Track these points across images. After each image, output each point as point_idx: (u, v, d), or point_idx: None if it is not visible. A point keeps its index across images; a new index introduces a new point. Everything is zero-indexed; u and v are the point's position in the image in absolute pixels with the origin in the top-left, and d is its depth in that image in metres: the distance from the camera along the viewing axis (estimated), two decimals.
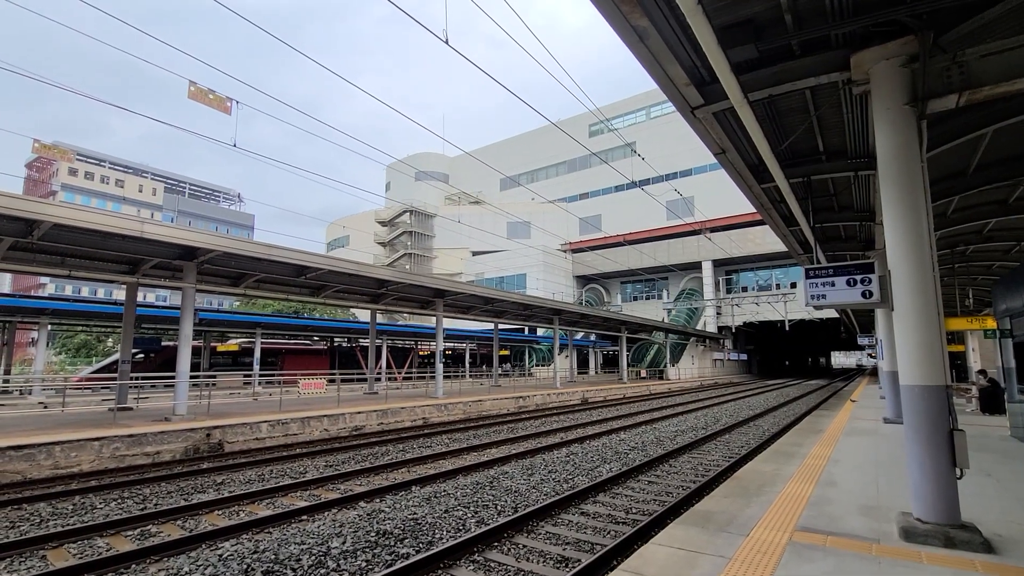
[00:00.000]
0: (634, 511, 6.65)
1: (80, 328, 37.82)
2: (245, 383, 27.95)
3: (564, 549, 5.32)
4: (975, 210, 10.17)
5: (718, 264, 49.37)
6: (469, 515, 6.44)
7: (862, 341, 31.46)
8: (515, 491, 7.61)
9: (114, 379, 16.33)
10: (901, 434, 4.82)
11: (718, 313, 49.15)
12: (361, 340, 37.05)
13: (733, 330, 50.30)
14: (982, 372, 15.51)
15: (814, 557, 4.01)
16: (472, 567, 4.94)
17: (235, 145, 11.96)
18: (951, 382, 4.43)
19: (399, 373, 35.70)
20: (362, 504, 7.02)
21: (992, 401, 13.36)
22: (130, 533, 6.01)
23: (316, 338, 38.37)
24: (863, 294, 5.24)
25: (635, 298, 57.03)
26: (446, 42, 8.11)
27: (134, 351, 20.94)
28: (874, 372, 54.73)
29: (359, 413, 14.48)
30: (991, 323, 16.95)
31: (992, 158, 7.91)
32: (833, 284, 5.45)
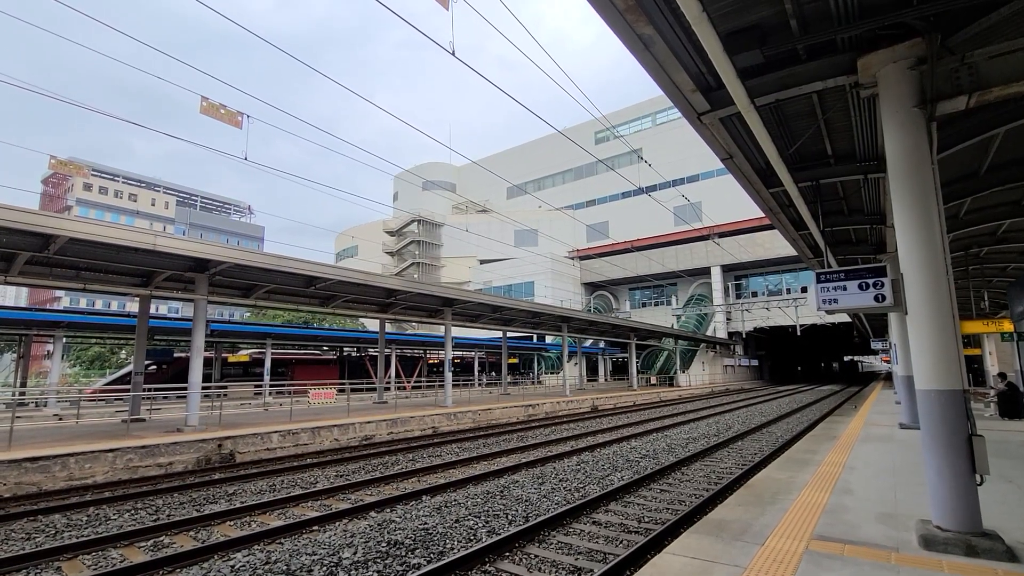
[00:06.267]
0: (647, 520, 6.57)
1: (94, 340, 38.34)
2: (256, 393, 28.13)
3: (576, 559, 5.26)
4: (988, 211, 10.04)
5: (727, 269, 49.06)
6: (480, 525, 6.41)
7: (875, 345, 31.09)
8: (526, 500, 7.57)
9: (127, 390, 16.49)
10: (918, 440, 4.74)
11: (728, 319, 48.76)
12: (370, 350, 37.19)
13: (743, 336, 49.85)
14: (1002, 375, 15.22)
15: (832, 566, 3.93)
16: None
17: (246, 158, 12.13)
18: (968, 386, 4.35)
19: (408, 382, 35.73)
20: (373, 514, 7.01)
21: (1011, 405, 13.10)
22: (143, 544, 6.04)
23: (325, 348, 38.59)
24: (876, 298, 5.19)
25: (644, 305, 56.76)
26: (453, 54, 8.19)
27: (147, 363, 21.17)
28: (869, 376, 53.91)
29: (369, 422, 14.50)
30: (1008, 325, 16.70)
31: (1004, 159, 7.82)
32: (845, 288, 5.40)
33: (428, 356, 43.86)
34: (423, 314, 21.60)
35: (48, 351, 46.67)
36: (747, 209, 32.76)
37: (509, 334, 32.66)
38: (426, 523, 6.46)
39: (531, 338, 49.11)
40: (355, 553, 5.45)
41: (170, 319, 31.42)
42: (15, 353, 29.61)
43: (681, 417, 19.74)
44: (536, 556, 5.38)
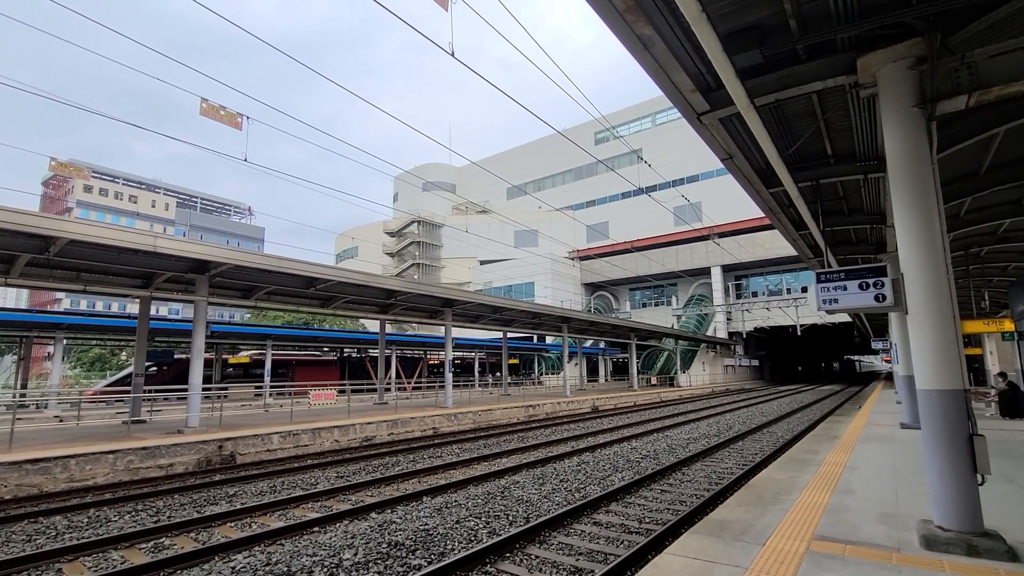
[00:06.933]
0: (647, 520, 6.57)
1: (95, 342, 38.37)
2: (256, 395, 28.13)
3: (577, 560, 5.26)
4: (988, 211, 10.03)
5: (727, 269, 49.05)
6: (480, 525, 6.41)
7: (876, 345, 31.07)
8: (526, 501, 7.56)
9: (128, 392, 16.50)
10: (919, 440, 4.74)
11: (728, 319, 48.75)
12: (371, 350, 37.18)
13: (744, 336, 49.83)
14: (1002, 375, 15.20)
15: (833, 566, 3.93)
16: None
17: (246, 160, 12.13)
18: (969, 386, 4.35)
19: (408, 383, 35.72)
20: (373, 515, 7.00)
21: (1012, 405, 13.08)
22: (144, 546, 6.04)
23: (326, 349, 38.59)
24: (876, 298, 5.18)
25: (644, 305, 56.75)
26: (452, 55, 8.19)
27: (147, 364, 21.16)
28: (869, 376, 53.89)
29: (369, 423, 14.50)
30: (1008, 325, 16.71)
31: (1004, 158, 7.82)
32: (845, 288, 5.39)
33: (428, 357, 43.86)
34: (423, 315, 21.60)
35: (49, 353, 46.69)
36: (747, 209, 32.76)
37: (509, 335, 32.64)
38: (427, 524, 6.46)
39: (531, 339, 49.11)
40: (356, 554, 5.44)
41: (170, 320, 31.43)
42: (16, 355, 29.62)
43: (682, 417, 19.73)
44: (537, 557, 5.37)
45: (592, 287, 59.68)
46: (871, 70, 4.85)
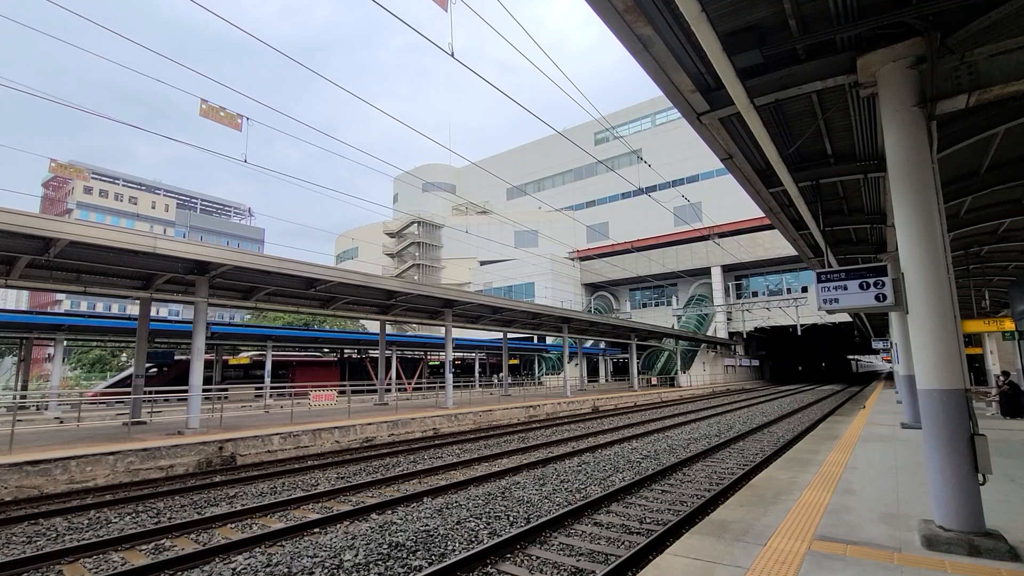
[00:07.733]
0: (648, 521, 6.56)
1: (95, 343, 38.35)
2: (257, 396, 28.12)
3: (578, 560, 5.25)
4: (989, 210, 10.03)
5: (727, 269, 49.03)
6: (481, 526, 6.40)
7: (876, 345, 31.07)
8: (527, 501, 7.56)
9: (128, 393, 16.49)
10: (920, 439, 4.74)
11: (728, 319, 48.73)
12: (371, 351, 37.15)
13: (744, 336, 49.82)
14: (1004, 374, 15.20)
15: (834, 567, 3.92)
16: None
17: (246, 161, 12.15)
18: (970, 385, 4.34)
19: (409, 384, 35.71)
20: (374, 516, 7.00)
21: (1013, 404, 13.08)
22: (144, 547, 6.04)
23: (326, 350, 38.55)
24: (877, 297, 5.17)
25: (644, 305, 56.72)
26: (452, 55, 8.20)
27: (148, 365, 21.16)
28: (869, 376, 53.86)
29: (370, 424, 14.49)
30: (1009, 324, 16.69)
31: (1004, 157, 7.82)
32: (846, 288, 5.38)
33: (429, 357, 43.83)
34: (423, 315, 21.59)
35: (49, 354, 46.71)
36: (747, 209, 32.78)
37: (510, 335, 32.64)
38: (427, 525, 6.45)
39: (532, 339, 49.08)
40: (356, 555, 5.44)
41: (171, 322, 31.42)
42: (16, 356, 29.64)
43: (682, 417, 19.72)
44: (537, 557, 5.37)
45: (592, 287, 59.66)
46: (871, 70, 4.85)
